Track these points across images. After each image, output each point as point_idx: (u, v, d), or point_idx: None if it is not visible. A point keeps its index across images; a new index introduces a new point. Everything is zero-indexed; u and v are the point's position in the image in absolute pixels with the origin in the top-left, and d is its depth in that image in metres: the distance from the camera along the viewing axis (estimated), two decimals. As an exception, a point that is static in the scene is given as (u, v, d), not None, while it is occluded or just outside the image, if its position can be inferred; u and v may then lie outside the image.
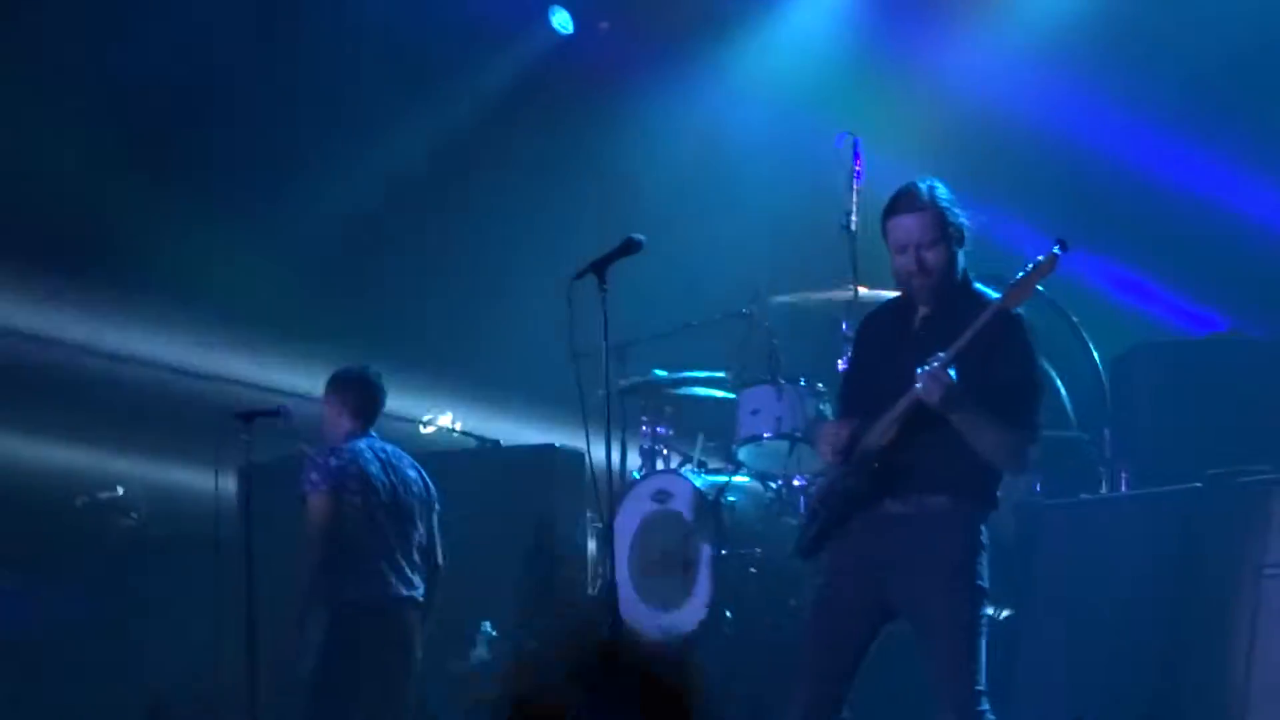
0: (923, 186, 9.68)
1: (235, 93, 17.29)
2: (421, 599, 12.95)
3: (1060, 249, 9.38)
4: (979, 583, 9.41)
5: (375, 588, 12.67)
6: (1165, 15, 15.35)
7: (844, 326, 13.00)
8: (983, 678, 9.26)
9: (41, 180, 16.63)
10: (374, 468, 12.85)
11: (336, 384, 13.19)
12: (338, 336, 16.47)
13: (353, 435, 12.94)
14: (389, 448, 13.13)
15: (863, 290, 12.74)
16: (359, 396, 13.12)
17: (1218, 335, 14.41)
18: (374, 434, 13.10)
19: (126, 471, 16.58)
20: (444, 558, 13.17)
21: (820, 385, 13.24)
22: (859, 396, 9.94)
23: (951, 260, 9.56)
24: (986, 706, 9.22)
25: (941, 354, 9.17)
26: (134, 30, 16.64)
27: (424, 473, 13.16)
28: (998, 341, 9.33)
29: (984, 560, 9.45)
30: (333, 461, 12.71)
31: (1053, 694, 11.36)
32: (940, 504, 9.51)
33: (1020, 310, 9.45)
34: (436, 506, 13.18)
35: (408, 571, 12.88)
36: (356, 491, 12.72)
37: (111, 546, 16.20)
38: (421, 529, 13.04)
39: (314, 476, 12.62)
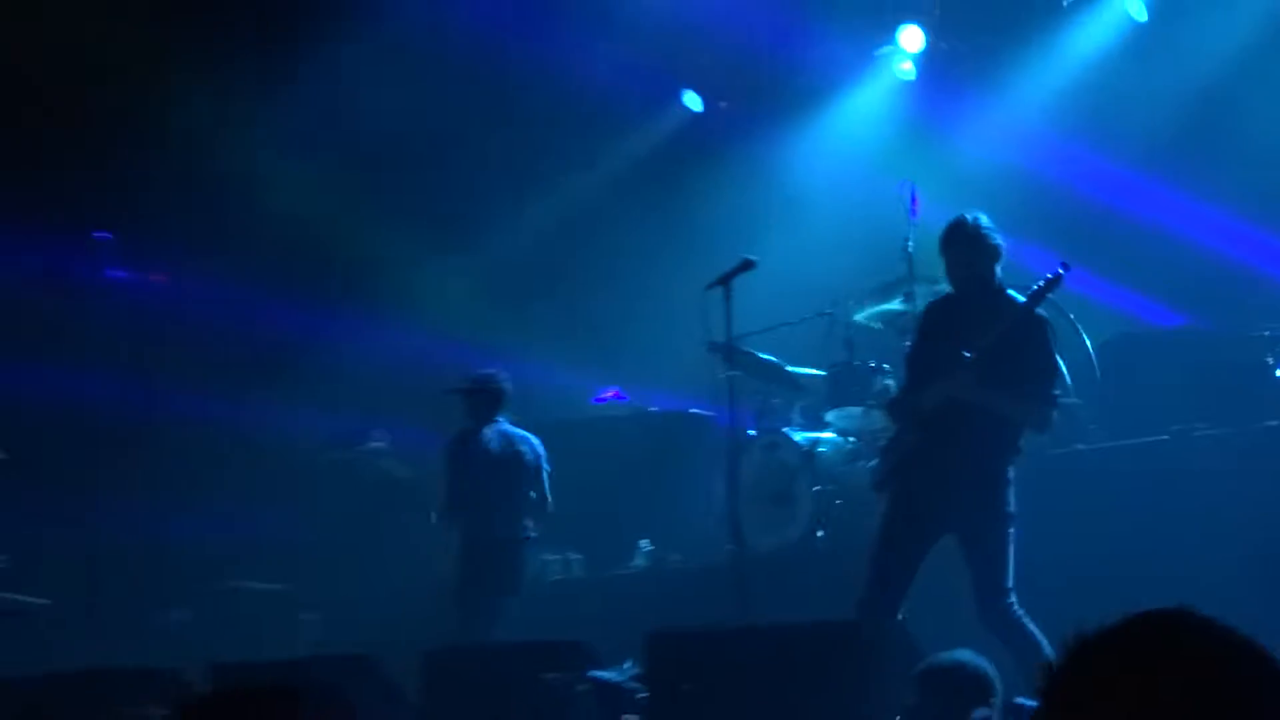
0: (969, 217, 10.34)
1: (450, 149, 17.25)
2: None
3: (1064, 269, 10.11)
4: (1008, 509, 10.05)
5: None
6: (1129, 86, 15.52)
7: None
8: (1011, 577, 9.94)
9: (309, 219, 16.87)
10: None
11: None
12: (529, 335, 16.71)
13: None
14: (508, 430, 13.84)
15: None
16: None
17: (1177, 327, 14.47)
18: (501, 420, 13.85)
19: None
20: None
21: (885, 365, 13.50)
22: (921, 366, 10.56)
23: (990, 271, 10.25)
24: (1014, 599, 9.88)
25: (966, 354, 9.93)
26: (372, 95, 17.03)
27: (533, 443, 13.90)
28: (1029, 335, 10.05)
29: (1012, 492, 10.07)
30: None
31: (1058, 585, 11.08)
32: (977, 453, 10.15)
33: (1042, 311, 10.17)
34: (545, 467, 13.87)
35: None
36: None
37: (371, 482, 16.40)
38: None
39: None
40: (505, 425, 13.86)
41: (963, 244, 10.38)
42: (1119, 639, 2.60)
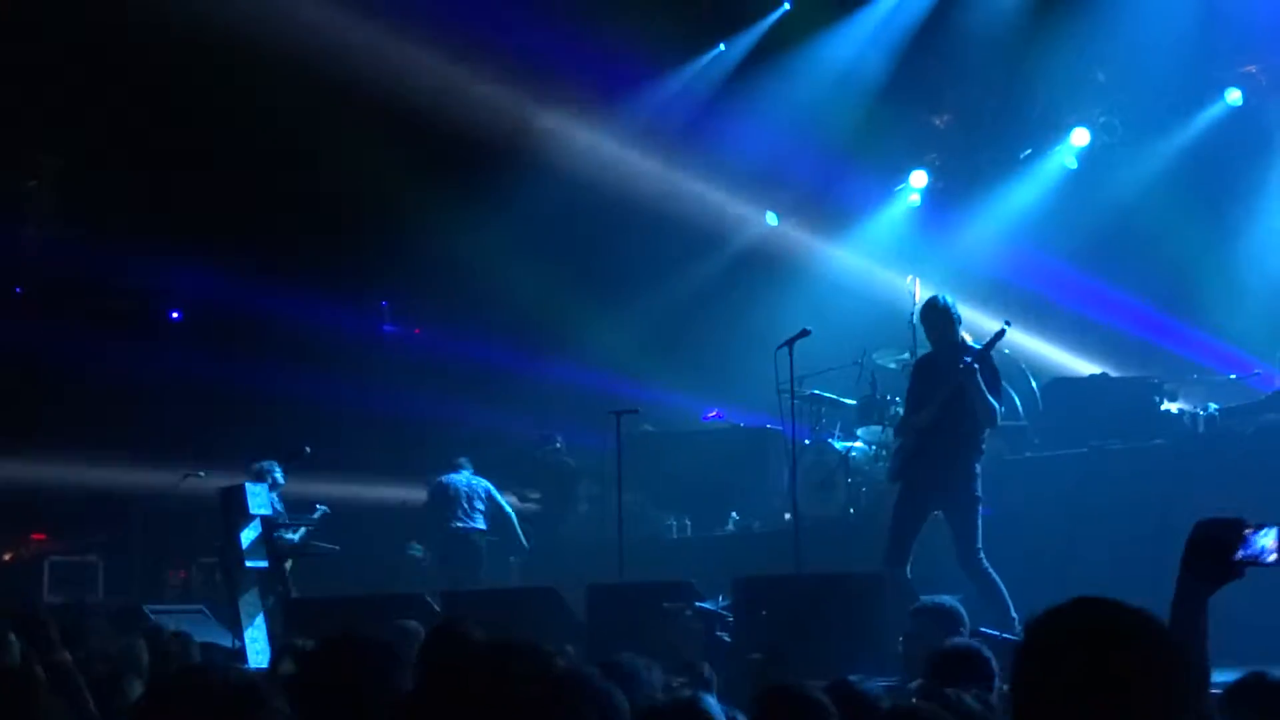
0: (939, 299, 10.42)
1: (615, 244, 17.09)
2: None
3: (1007, 325, 10.35)
4: (976, 493, 10.08)
5: None
6: (1066, 211, 15.31)
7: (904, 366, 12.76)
8: (980, 539, 9.95)
9: (519, 289, 16.90)
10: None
11: None
12: (662, 371, 16.52)
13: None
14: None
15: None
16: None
17: (1095, 375, 13.99)
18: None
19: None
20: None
21: (897, 398, 13.01)
22: (915, 398, 10.57)
23: (955, 334, 10.30)
24: (983, 556, 9.86)
25: (965, 362, 10.00)
26: (559, 208, 16.82)
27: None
28: (982, 368, 10.05)
29: (978, 481, 10.11)
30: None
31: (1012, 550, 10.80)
32: (955, 450, 10.14)
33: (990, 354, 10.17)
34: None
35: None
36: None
37: (553, 469, 15.97)
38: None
39: None
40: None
41: (935, 317, 10.37)
42: (1060, 622, 2.57)
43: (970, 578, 9.87)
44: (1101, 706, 2.44)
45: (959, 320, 10.36)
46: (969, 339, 10.50)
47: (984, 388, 10.06)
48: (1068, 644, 2.52)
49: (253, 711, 2.76)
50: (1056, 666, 2.50)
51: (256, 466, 13.53)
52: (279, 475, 13.59)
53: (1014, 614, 9.41)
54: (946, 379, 10.17)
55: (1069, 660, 2.49)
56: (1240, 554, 3.15)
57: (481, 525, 14.62)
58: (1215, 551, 3.14)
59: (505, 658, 2.34)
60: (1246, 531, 3.16)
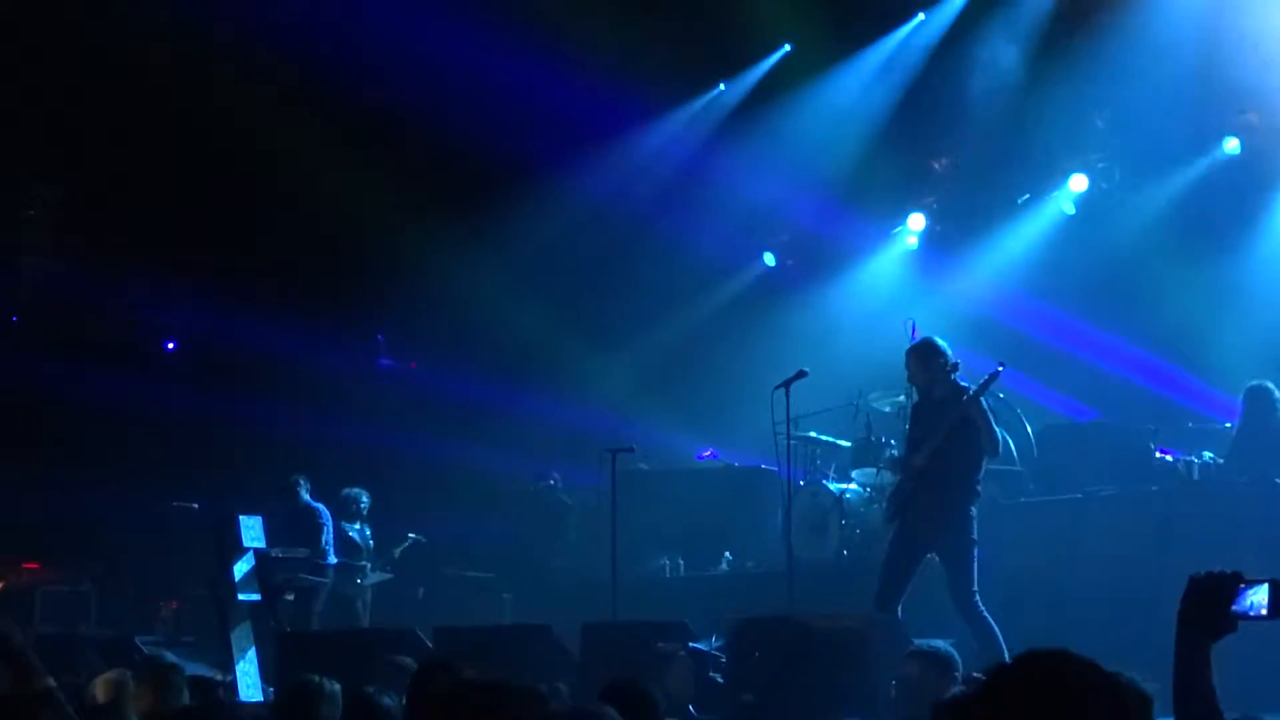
0: (924, 341, 10.51)
1: (613, 285, 17.22)
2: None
3: (1001, 367, 10.25)
4: (972, 536, 10.02)
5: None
6: (1061, 256, 15.25)
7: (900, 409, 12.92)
8: (975, 582, 9.90)
9: (514, 326, 16.91)
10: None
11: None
12: (657, 411, 16.48)
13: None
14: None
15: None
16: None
17: (1089, 421, 14.34)
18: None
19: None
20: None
21: (892, 440, 13.22)
22: (913, 442, 10.50)
23: (944, 376, 10.25)
24: (978, 597, 9.80)
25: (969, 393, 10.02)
26: (558, 246, 16.96)
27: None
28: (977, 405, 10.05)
29: (974, 524, 10.06)
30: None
31: (1007, 589, 11.09)
32: (952, 493, 10.09)
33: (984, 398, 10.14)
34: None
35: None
36: None
37: (549, 506, 15.98)
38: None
39: None
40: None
41: (917, 364, 10.42)
42: (1013, 677, 2.59)
43: (965, 620, 9.83)
44: None
45: (948, 359, 10.33)
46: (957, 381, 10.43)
47: (989, 417, 10.12)
48: (1017, 700, 2.54)
49: None
50: None
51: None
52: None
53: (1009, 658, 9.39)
54: (944, 417, 10.16)
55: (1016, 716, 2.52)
56: (1234, 608, 3.21)
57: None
58: (1209, 606, 3.21)
59: (499, 697, 2.32)
60: (1240, 586, 3.23)
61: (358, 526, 14.58)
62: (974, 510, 10.16)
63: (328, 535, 13.79)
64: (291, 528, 13.63)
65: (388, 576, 14.79)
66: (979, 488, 10.28)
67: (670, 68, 16.30)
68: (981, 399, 10.14)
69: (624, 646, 10.35)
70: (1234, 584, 3.22)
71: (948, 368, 10.26)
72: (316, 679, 5.83)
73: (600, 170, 17.04)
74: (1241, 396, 11.63)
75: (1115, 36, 14.25)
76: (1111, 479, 12.39)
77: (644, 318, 17.40)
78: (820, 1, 15.77)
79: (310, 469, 14.25)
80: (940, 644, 7.70)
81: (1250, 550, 9.83)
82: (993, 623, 9.75)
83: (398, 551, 15.02)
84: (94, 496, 15.70)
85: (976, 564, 10.02)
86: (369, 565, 14.56)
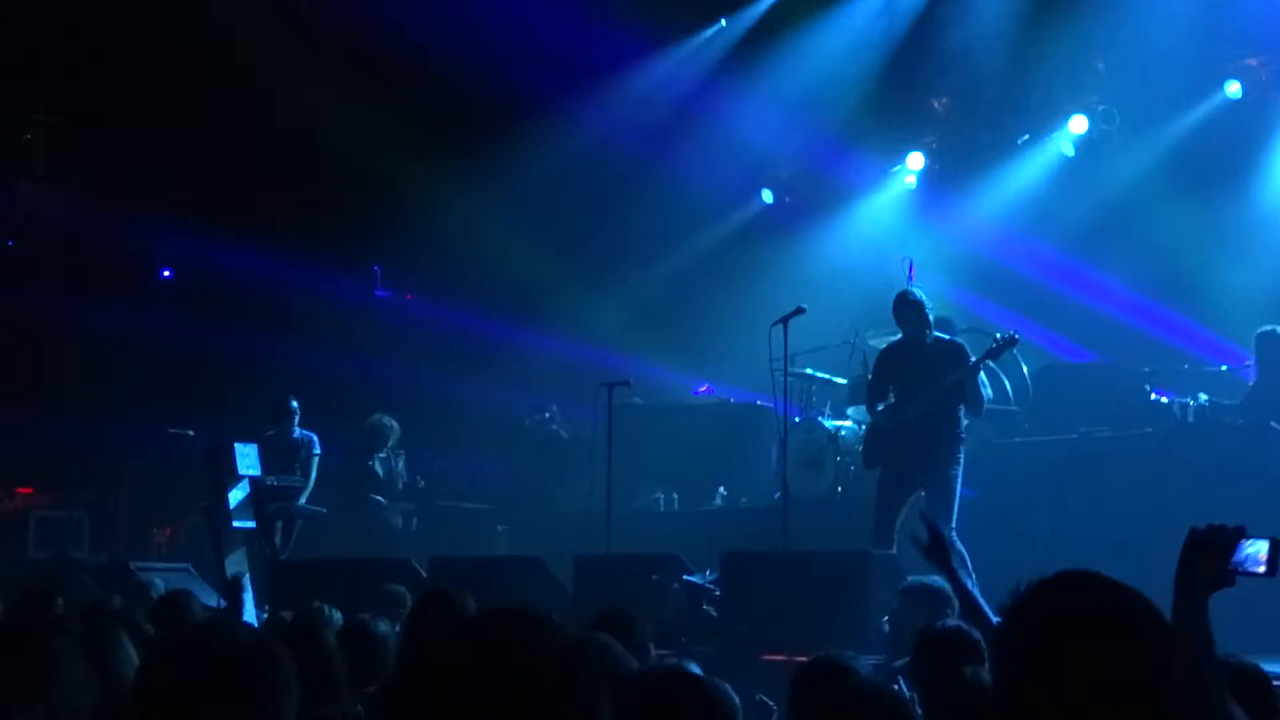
0: (911, 294, 10.85)
1: (609, 221, 17.06)
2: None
3: (1016, 336, 10.70)
4: (957, 477, 10.47)
5: None
6: (1060, 198, 15.22)
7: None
8: (954, 521, 10.22)
9: (513, 262, 16.75)
10: None
11: None
12: (654, 347, 16.40)
13: None
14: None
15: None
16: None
17: (1086, 362, 14.39)
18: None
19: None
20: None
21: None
22: (881, 387, 11.12)
23: (928, 328, 10.75)
24: (956, 536, 9.90)
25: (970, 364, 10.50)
26: (556, 183, 16.82)
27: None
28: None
29: (960, 464, 10.48)
30: None
31: (1000, 527, 11.44)
32: (939, 434, 10.49)
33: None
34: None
35: None
36: None
37: (545, 440, 16.20)
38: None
39: None
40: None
41: (908, 311, 10.79)
42: (1042, 597, 2.57)
43: None
44: (1096, 694, 2.42)
45: (931, 314, 10.78)
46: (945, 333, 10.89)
47: (982, 382, 10.55)
48: (1055, 624, 2.50)
49: (267, 671, 2.67)
50: (1046, 648, 2.47)
51: (374, 420, 14.12)
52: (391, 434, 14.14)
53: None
54: (932, 371, 10.49)
55: (1057, 642, 2.46)
56: (1232, 561, 3.18)
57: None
58: (1208, 558, 3.18)
59: (505, 625, 2.27)
60: (1241, 540, 3.20)
61: (383, 456, 14.50)
62: (960, 454, 10.50)
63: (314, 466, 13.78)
64: (284, 454, 13.58)
65: (410, 507, 14.73)
66: (965, 434, 10.67)
67: (671, 3, 16.21)
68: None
69: (617, 578, 10.44)
70: (1235, 538, 3.19)
71: (928, 319, 10.76)
72: (316, 604, 5.83)
73: (599, 106, 16.86)
74: (1253, 344, 11.51)
75: (1117, -21, 14.18)
76: (1107, 420, 12.41)
77: (642, 253, 17.32)
78: (823, -63, 15.73)
79: (305, 399, 14.16)
80: (934, 579, 7.64)
81: (1244, 493, 9.75)
82: (965, 553, 9.78)
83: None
84: (89, 423, 15.64)
85: (957, 503, 10.39)
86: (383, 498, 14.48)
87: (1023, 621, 2.54)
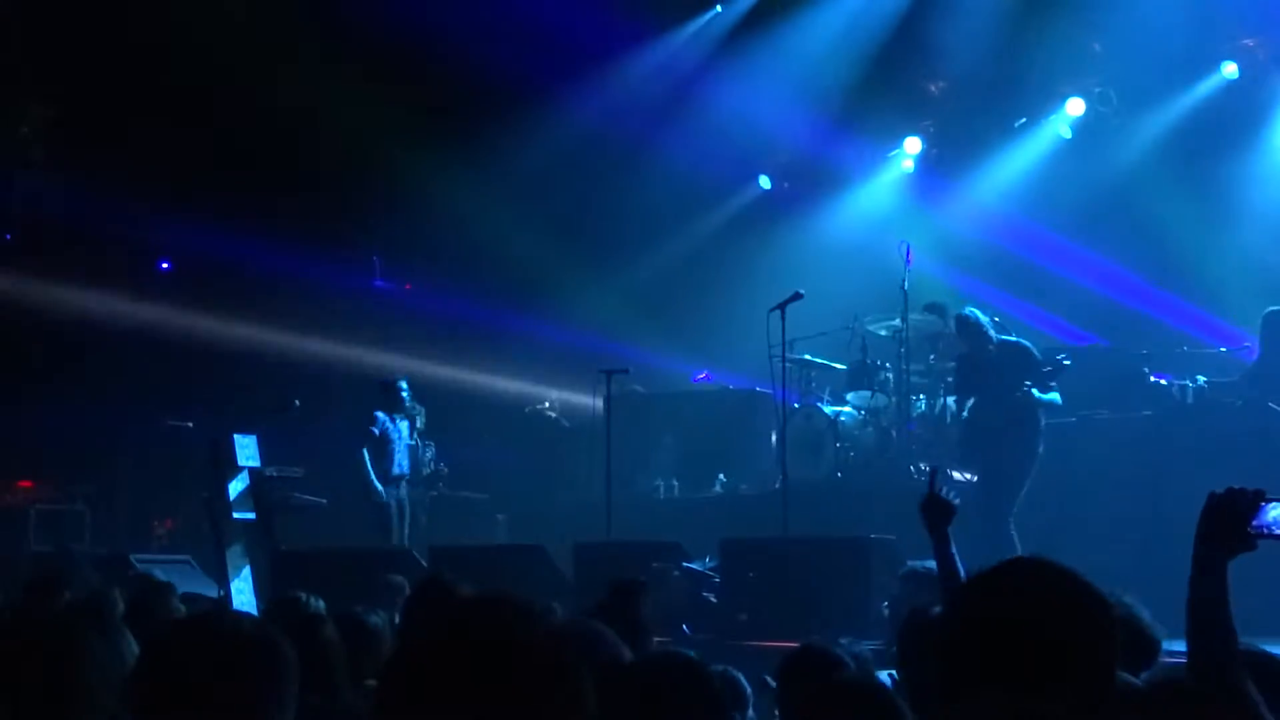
0: (970, 315, 11.46)
1: (607, 208, 17.06)
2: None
3: (1067, 363, 11.52)
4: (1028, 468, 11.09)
5: None
6: (1058, 181, 15.23)
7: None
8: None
9: (510, 249, 16.59)
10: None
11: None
12: (653, 334, 16.41)
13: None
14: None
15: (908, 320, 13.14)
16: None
17: (1086, 345, 14.19)
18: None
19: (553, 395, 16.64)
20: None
21: (886, 363, 13.45)
22: (963, 395, 11.86)
23: (991, 342, 11.37)
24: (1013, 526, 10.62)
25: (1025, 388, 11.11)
26: (553, 169, 16.67)
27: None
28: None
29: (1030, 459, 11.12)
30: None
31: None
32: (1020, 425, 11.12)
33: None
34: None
35: None
36: None
37: (544, 429, 16.23)
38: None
39: None
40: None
41: (969, 331, 11.46)
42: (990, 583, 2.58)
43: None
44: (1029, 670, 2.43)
45: (990, 328, 11.39)
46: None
47: (1044, 400, 11.26)
48: (996, 605, 2.51)
49: (268, 660, 2.68)
50: (983, 629, 2.48)
51: (388, 378, 13.96)
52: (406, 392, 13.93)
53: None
54: (999, 378, 11.23)
55: (994, 623, 2.48)
56: (1253, 524, 3.13)
57: None
58: (1229, 521, 3.13)
59: (486, 610, 2.27)
60: (1262, 503, 3.15)
61: (411, 440, 14.37)
62: (1034, 448, 11.21)
63: None
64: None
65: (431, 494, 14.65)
66: (1037, 433, 11.27)
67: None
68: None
69: (618, 566, 10.26)
70: (1256, 500, 3.14)
71: (987, 335, 11.41)
72: (303, 596, 5.79)
73: (597, 92, 16.82)
74: (1260, 323, 11.48)
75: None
76: (1106, 403, 12.38)
77: (640, 240, 17.30)
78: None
79: (301, 390, 14.09)
80: (934, 565, 7.72)
81: (1243, 474, 9.70)
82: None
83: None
84: (89, 415, 15.63)
85: (1018, 496, 11.03)
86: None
87: (958, 612, 2.57)
